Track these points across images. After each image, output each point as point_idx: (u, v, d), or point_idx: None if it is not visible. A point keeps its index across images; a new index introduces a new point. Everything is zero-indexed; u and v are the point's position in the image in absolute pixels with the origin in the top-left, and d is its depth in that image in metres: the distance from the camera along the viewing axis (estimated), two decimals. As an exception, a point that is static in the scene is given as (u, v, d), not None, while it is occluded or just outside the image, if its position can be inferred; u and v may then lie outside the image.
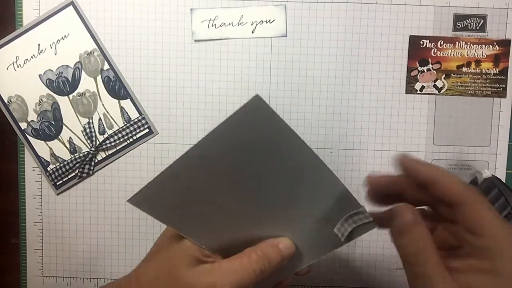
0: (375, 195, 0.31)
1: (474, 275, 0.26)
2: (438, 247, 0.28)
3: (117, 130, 0.47)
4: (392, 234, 0.28)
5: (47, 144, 0.47)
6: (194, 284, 0.30)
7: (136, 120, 0.47)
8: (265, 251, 0.31)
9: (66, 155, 0.47)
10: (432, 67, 0.46)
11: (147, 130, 0.47)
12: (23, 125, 0.47)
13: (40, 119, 0.47)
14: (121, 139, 0.47)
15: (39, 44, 0.46)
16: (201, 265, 0.31)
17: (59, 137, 0.47)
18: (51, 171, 0.47)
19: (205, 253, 0.32)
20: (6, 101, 0.47)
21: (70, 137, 0.47)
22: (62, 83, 0.47)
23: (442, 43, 0.46)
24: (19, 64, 0.46)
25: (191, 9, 0.46)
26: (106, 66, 0.46)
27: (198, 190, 0.29)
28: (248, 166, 0.28)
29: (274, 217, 0.31)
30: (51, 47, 0.46)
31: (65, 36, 0.46)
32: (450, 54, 0.46)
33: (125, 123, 0.47)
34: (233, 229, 0.32)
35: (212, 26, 0.46)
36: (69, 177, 0.47)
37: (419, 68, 0.46)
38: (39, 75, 0.47)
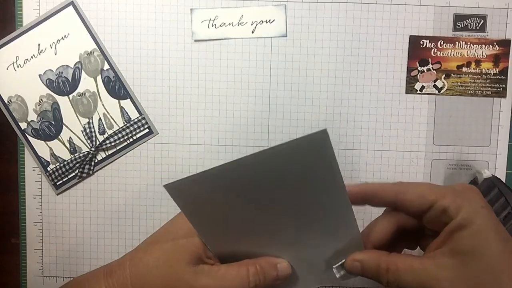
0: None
1: (452, 238, 0.27)
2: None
3: (117, 130, 0.47)
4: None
5: (47, 144, 0.47)
6: (190, 282, 0.30)
7: (136, 120, 0.47)
8: (264, 266, 0.32)
9: (66, 155, 0.47)
10: (432, 67, 0.46)
11: (147, 130, 0.47)
12: (23, 125, 0.47)
13: (40, 119, 0.47)
14: (121, 139, 0.47)
15: (39, 44, 0.46)
16: (201, 265, 0.32)
17: (59, 137, 0.47)
18: (51, 171, 0.47)
19: (208, 254, 0.33)
20: (6, 101, 0.47)
21: (70, 137, 0.47)
22: (62, 83, 0.47)
23: (442, 43, 0.46)
24: (19, 64, 0.46)
25: (191, 9, 0.46)
26: (106, 66, 0.46)
27: (229, 199, 0.30)
28: (283, 191, 0.29)
29: (284, 240, 0.32)
30: (51, 47, 0.46)
31: (65, 36, 0.46)
32: (450, 54, 0.46)
33: (125, 123, 0.47)
34: (244, 242, 0.32)
35: (212, 26, 0.46)
36: (69, 177, 0.47)
37: (419, 68, 0.46)
38: (39, 75, 0.47)
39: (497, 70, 0.46)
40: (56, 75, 0.47)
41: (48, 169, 0.47)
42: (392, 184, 0.31)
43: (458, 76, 0.46)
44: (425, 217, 0.29)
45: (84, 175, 0.47)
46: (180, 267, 0.31)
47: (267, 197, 0.29)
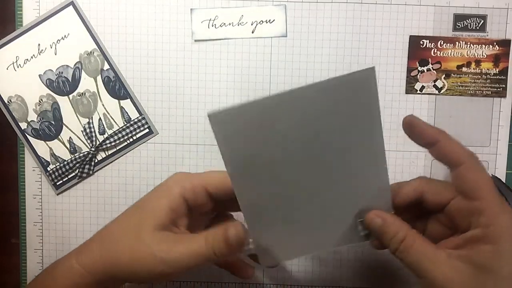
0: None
1: (472, 247, 0.27)
2: (434, 240, 0.30)
3: (117, 130, 0.47)
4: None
5: (47, 144, 0.47)
6: (153, 247, 0.30)
7: (136, 120, 0.47)
8: (216, 236, 0.30)
9: (66, 155, 0.47)
10: (432, 67, 0.46)
11: (147, 130, 0.47)
12: (23, 125, 0.47)
13: (40, 119, 0.47)
14: (121, 139, 0.47)
15: (39, 44, 0.46)
16: (165, 232, 0.32)
17: (59, 137, 0.47)
18: (51, 171, 0.47)
19: (177, 223, 0.33)
20: (6, 101, 0.47)
21: (70, 137, 0.47)
22: (62, 83, 0.47)
23: (442, 43, 0.46)
24: (19, 64, 0.46)
25: (191, 9, 0.46)
26: (106, 66, 0.46)
27: (267, 134, 0.29)
28: (323, 130, 0.29)
29: (313, 188, 0.31)
30: (51, 47, 0.46)
31: (65, 36, 0.46)
32: (450, 54, 0.46)
33: (125, 123, 0.47)
34: (272, 186, 0.31)
35: (212, 26, 0.46)
36: (69, 177, 0.47)
37: (419, 68, 0.46)
38: (39, 75, 0.47)
39: (497, 70, 0.46)
40: (56, 75, 0.47)
41: (48, 169, 0.47)
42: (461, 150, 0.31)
43: (458, 76, 0.46)
44: (460, 202, 0.29)
45: (84, 175, 0.47)
46: (145, 233, 0.31)
47: (305, 135, 0.29)
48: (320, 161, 0.30)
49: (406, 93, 0.46)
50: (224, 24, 0.46)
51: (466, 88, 0.46)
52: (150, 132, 0.47)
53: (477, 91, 0.46)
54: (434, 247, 0.28)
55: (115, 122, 0.47)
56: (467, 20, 0.46)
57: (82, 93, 0.47)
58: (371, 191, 0.31)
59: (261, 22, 0.46)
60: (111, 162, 0.47)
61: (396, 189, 0.32)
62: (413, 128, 0.32)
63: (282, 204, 0.31)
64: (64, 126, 0.47)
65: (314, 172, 0.30)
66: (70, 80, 0.47)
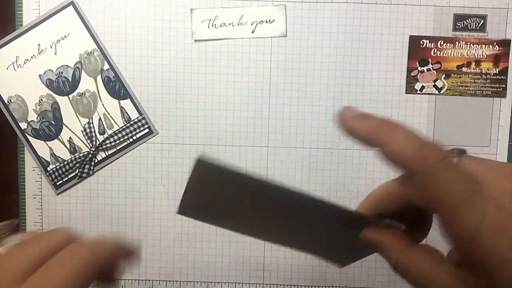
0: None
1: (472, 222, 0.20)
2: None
3: (117, 130, 0.47)
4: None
5: (47, 144, 0.47)
6: None
7: (136, 120, 0.47)
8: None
9: (66, 155, 0.47)
10: (432, 67, 0.46)
11: (147, 130, 0.47)
12: (23, 125, 0.47)
13: (40, 119, 0.47)
14: (121, 139, 0.47)
15: (39, 44, 0.46)
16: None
17: (59, 137, 0.47)
18: (51, 171, 0.47)
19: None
20: (6, 101, 0.47)
21: (70, 137, 0.47)
22: (62, 83, 0.47)
23: (442, 43, 0.46)
24: (19, 64, 0.46)
25: (191, 9, 0.46)
26: (106, 66, 0.46)
27: (233, 208, 0.29)
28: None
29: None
30: (51, 47, 0.46)
31: (65, 36, 0.46)
32: (450, 54, 0.46)
33: (125, 123, 0.47)
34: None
35: (212, 26, 0.46)
36: (69, 177, 0.47)
37: (419, 68, 0.46)
38: (39, 75, 0.47)
39: (497, 70, 0.46)
40: (56, 75, 0.47)
41: (48, 169, 0.47)
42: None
43: (458, 76, 0.46)
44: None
45: (84, 175, 0.47)
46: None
47: (273, 220, 0.29)
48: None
49: (406, 93, 0.46)
50: (224, 24, 0.46)
51: (466, 88, 0.46)
52: (150, 132, 0.47)
53: (477, 91, 0.46)
54: (430, 263, 0.24)
55: (115, 122, 0.47)
56: (467, 20, 0.46)
57: (82, 93, 0.47)
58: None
59: (261, 22, 0.46)
60: (111, 162, 0.47)
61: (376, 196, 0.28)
62: (347, 131, 0.24)
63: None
64: (64, 126, 0.47)
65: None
66: (70, 80, 0.47)
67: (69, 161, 0.47)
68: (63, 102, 0.47)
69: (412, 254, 0.25)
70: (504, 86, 0.46)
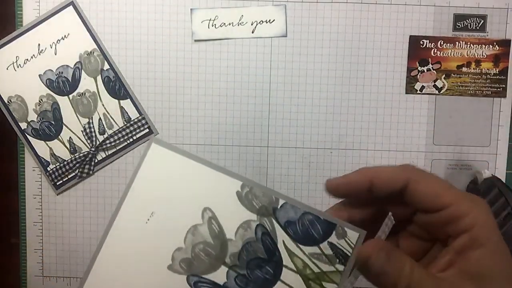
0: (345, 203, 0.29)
1: (464, 258, 0.23)
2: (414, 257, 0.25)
3: (117, 130, 0.47)
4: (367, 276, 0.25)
5: (47, 144, 0.47)
6: None
7: (136, 120, 0.47)
8: None
9: (66, 155, 0.47)
10: (432, 67, 0.46)
11: (147, 130, 0.47)
12: (23, 125, 0.47)
13: (40, 119, 0.47)
14: (121, 139, 0.47)
15: (39, 44, 0.46)
16: None
17: (59, 137, 0.47)
18: (51, 171, 0.47)
19: None
20: (6, 101, 0.47)
21: (70, 137, 0.47)
22: (62, 83, 0.47)
23: (442, 43, 0.46)
24: (19, 64, 0.46)
25: (191, 9, 0.46)
26: (106, 66, 0.46)
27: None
28: None
29: None
30: (51, 47, 0.46)
31: (65, 36, 0.46)
32: (450, 54, 0.46)
33: (125, 123, 0.47)
34: None
35: (212, 26, 0.46)
36: (69, 177, 0.47)
37: (419, 68, 0.46)
38: (39, 75, 0.47)
39: (497, 70, 0.46)
40: (56, 75, 0.47)
41: (48, 169, 0.47)
42: (399, 168, 0.25)
43: (458, 76, 0.46)
44: (424, 217, 0.25)
45: (84, 175, 0.47)
46: None
47: None
48: None
49: (406, 93, 0.46)
50: (224, 24, 0.46)
51: (466, 88, 0.46)
52: (150, 132, 0.47)
53: (477, 91, 0.46)
54: (437, 278, 0.24)
55: (115, 122, 0.47)
56: (467, 20, 0.46)
57: (82, 93, 0.47)
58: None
59: (261, 22, 0.46)
60: (111, 162, 0.47)
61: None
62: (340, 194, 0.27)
63: None
64: (64, 126, 0.47)
65: None
66: (70, 80, 0.47)
67: (69, 161, 0.47)
68: (63, 102, 0.47)
69: (418, 264, 0.24)
70: (504, 86, 0.46)
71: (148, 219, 0.35)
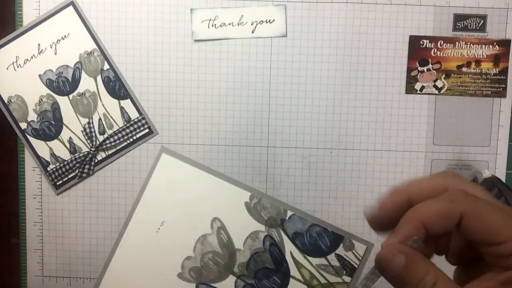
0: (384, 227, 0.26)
1: None
2: (455, 262, 0.24)
3: (117, 130, 0.47)
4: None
5: (47, 144, 0.47)
6: None
7: (136, 120, 0.47)
8: None
9: (66, 155, 0.47)
10: (432, 67, 0.46)
11: (147, 130, 0.47)
12: (23, 125, 0.47)
13: (40, 119, 0.47)
14: (121, 139, 0.47)
15: (39, 44, 0.46)
16: None
17: (59, 137, 0.47)
18: (51, 171, 0.47)
19: None
20: (6, 101, 0.47)
21: (70, 137, 0.47)
22: (62, 83, 0.47)
23: (442, 43, 0.46)
24: (19, 64, 0.46)
25: (191, 9, 0.46)
26: (106, 66, 0.46)
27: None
28: None
29: None
30: (51, 47, 0.46)
31: (65, 36, 0.46)
32: (450, 54, 0.46)
33: (125, 123, 0.47)
34: None
35: (212, 26, 0.46)
36: (69, 177, 0.47)
37: (419, 68, 0.46)
38: (39, 75, 0.47)
39: (497, 70, 0.46)
40: (56, 75, 0.47)
41: (48, 169, 0.47)
42: (448, 199, 0.23)
43: (458, 76, 0.46)
44: (484, 247, 0.23)
45: (84, 175, 0.47)
46: None
47: None
48: None
49: (406, 93, 0.46)
50: (224, 24, 0.46)
51: (466, 88, 0.46)
52: (150, 132, 0.47)
53: (477, 91, 0.46)
54: None
55: (115, 122, 0.47)
56: (467, 20, 0.46)
57: (82, 93, 0.47)
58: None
59: (261, 22, 0.46)
60: (111, 162, 0.47)
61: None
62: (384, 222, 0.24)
63: None
64: (64, 126, 0.47)
65: None
66: (70, 80, 0.47)
67: (69, 161, 0.47)
68: (63, 102, 0.47)
69: (445, 274, 0.23)
70: (504, 86, 0.46)
71: (159, 228, 0.36)
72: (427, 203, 0.23)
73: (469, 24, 0.46)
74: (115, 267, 0.37)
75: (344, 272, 0.31)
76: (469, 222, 0.23)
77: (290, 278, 0.34)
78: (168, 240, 0.36)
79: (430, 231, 0.23)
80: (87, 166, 0.47)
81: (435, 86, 0.46)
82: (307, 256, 0.34)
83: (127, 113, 0.47)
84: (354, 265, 0.28)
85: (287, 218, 0.35)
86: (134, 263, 0.36)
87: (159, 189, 0.35)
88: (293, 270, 0.35)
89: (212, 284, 0.35)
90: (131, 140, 0.47)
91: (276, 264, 0.35)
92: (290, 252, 0.34)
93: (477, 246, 0.23)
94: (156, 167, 0.33)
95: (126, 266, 0.36)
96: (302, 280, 0.34)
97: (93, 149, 0.47)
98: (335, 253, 0.31)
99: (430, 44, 0.46)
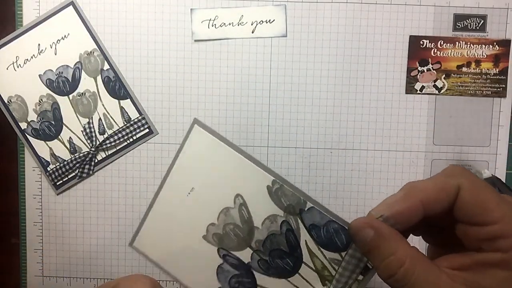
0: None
1: (483, 271, 0.22)
2: (443, 251, 0.24)
3: (117, 130, 0.47)
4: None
5: (47, 144, 0.47)
6: None
7: (136, 120, 0.47)
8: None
9: (66, 155, 0.47)
10: (432, 67, 0.46)
11: (147, 130, 0.47)
12: (23, 125, 0.47)
13: (40, 119, 0.47)
14: (121, 139, 0.47)
15: (39, 44, 0.46)
16: None
17: (59, 137, 0.47)
18: (51, 171, 0.47)
19: None
20: (6, 101, 0.47)
21: (70, 137, 0.47)
22: (62, 83, 0.47)
23: (442, 43, 0.46)
24: (19, 64, 0.46)
25: (191, 9, 0.46)
26: (106, 66, 0.46)
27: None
28: None
29: None
30: (51, 47, 0.46)
31: (65, 36, 0.46)
32: (450, 54, 0.46)
33: (125, 123, 0.47)
34: None
35: (212, 26, 0.46)
36: (69, 177, 0.47)
37: (419, 68, 0.46)
38: (39, 75, 0.47)
39: (497, 70, 0.46)
40: (56, 75, 0.47)
41: (48, 169, 0.47)
42: (446, 175, 0.23)
43: (458, 76, 0.46)
44: (463, 227, 0.23)
45: (84, 175, 0.47)
46: None
47: None
48: None
49: (406, 93, 0.46)
50: (224, 24, 0.46)
51: (466, 88, 0.46)
52: (150, 132, 0.47)
53: (477, 91, 0.46)
54: (437, 271, 0.23)
55: (115, 122, 0.47)
56: (467, 20, 0.46)
57: (82, 93, 0.47)
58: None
59: (261, 22, 0.46)
60: (111, 162, 0.47)
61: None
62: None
63: None
64: (64, 126, 0.47)
65: None
66: (70, 80, 0.47)
67: (69, 161, 0.47)
68: (63, 102, 0.47)
69: (419, 253, 0.23)
70: (504, 86, 0.46)
71: (189, 193, 0.39)
72: (424, 181, 0.24)
73: (469, 24, 0.46)
74: (150, 222, 0.41)
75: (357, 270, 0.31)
76: (465, 195, 0.23)
77: (302, 264, 0.36)
78: (196, 205, 0.40)
79: (428, 211, 0.23)
80: (87, 166, 0.47)
81: (435, 86, 0.46)
82: (321, 248, 0.36)
83: (127, 113, 0.47)
84: (368, 265, 0.28)
85: (306, 209, 0.37)
86: (166, 219, 0.40)
87: (190, 158, 0.38)
88: (306, 257, 0.37)
89: (231, 251, 0.38)
90: (131, 140, 0.47)
91: (291, 248, 0.36)
92: (305, 241, 0.36)
93: (464, 227, 0.23)
94: (188, 137, 0.35)
95: (160, 221, 0.40)
96: (314, 268, 0.36)
97: (93, 149, 0.47)
98: (350, 250, 0.31)
99: (430, 44, 0.46)
